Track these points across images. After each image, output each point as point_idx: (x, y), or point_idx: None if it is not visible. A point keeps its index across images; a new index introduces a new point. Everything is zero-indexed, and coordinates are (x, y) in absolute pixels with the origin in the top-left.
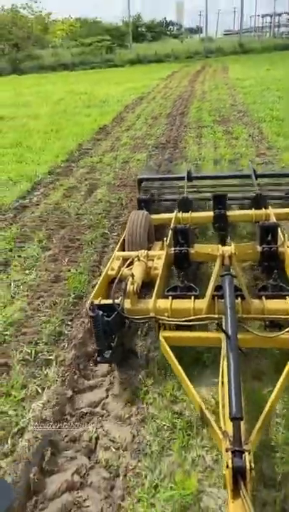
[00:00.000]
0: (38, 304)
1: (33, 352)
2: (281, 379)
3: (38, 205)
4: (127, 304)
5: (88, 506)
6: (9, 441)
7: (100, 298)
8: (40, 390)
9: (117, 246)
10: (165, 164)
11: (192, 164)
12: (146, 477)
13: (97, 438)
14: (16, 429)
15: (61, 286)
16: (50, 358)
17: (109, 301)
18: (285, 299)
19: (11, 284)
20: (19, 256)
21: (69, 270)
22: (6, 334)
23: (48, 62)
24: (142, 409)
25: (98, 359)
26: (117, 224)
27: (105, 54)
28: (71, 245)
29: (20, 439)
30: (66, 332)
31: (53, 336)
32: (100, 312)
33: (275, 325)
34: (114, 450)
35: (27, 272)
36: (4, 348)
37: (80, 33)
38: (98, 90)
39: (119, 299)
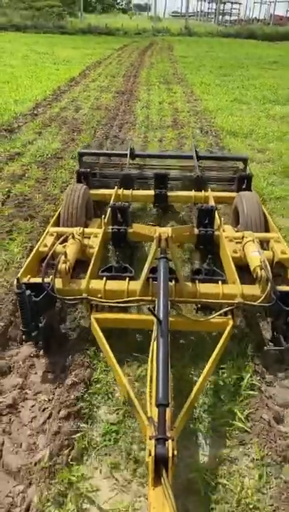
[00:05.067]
0: (67, 145)
1: (70, 163)
2: (208, 364)
3: (44, 113)
4: (58, 284)
5: None
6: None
7: (28, 276)
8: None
9: (52, 220)
10: (125, 101)
11: (144, 104)
12: None
13: None
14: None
15: (76, 142)
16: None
17: (39, 280)
18: (218, 283)
19: (48, 139)
20: (46, 131)
21: (79, 138)
22: (57, 153)
23: None
24: None
25: (24, 337)
26: (100, 124)
27: (57, 21)
28: (75, 130)
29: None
30: None
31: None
32: (28, 291)
33: (207, 308)
34: None
35: (54, 136)
36: (58, 158)
37: None
38: (58, 52)
39: (50, 278)
